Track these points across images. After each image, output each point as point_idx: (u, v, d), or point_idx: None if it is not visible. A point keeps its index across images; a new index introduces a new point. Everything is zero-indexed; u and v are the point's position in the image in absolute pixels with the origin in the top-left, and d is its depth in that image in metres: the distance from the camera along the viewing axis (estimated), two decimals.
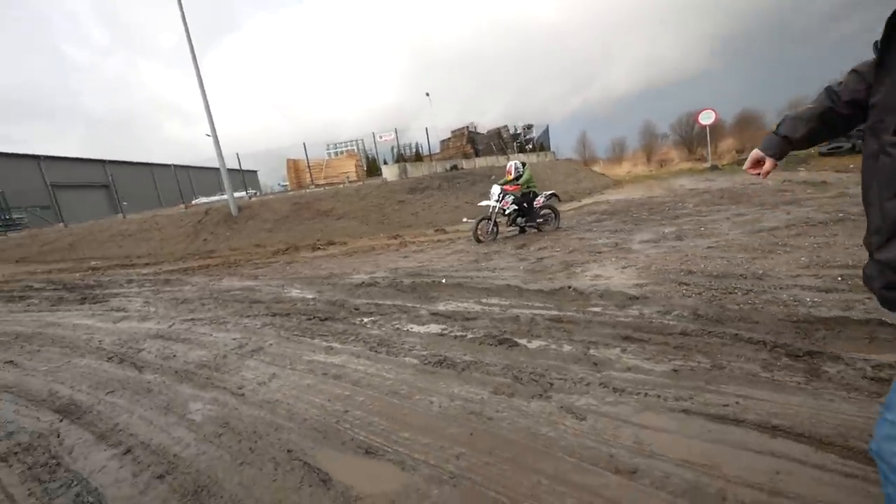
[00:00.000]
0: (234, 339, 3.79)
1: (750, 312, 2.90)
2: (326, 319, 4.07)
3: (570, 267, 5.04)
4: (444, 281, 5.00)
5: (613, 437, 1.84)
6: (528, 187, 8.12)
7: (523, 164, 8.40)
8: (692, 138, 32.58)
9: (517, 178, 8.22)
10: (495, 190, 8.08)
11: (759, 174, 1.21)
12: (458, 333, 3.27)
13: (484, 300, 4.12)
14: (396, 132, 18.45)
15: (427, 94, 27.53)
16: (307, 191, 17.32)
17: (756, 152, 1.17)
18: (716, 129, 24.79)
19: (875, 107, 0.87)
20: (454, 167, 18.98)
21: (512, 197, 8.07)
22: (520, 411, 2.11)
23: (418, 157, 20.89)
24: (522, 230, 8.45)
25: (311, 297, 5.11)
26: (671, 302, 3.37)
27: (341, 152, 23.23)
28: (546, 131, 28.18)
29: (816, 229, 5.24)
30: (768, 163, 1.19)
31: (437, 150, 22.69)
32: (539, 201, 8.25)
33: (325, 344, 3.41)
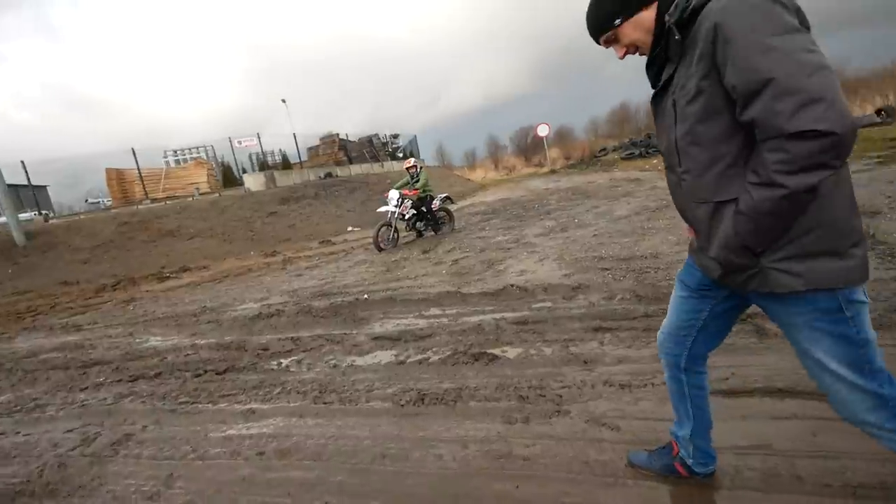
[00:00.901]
0: (71, 433, 2.50)
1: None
2: (226, 371, 3.05)
3: (492, 265, 4.94)
4: (366, 297, 4.35)
5: (658, 439, 1.65)
6: (425, 191, 7.89)
7: (420, 167, 8.15)
8: (527, 147, 37.51)
9: (415, 182, 7.92)
10: (393, 195, 7.63)
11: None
12: (420, 357, 2.76)
13: (426, 312, 3.65)
14: (259, 137, 16.24)
15: (283, 101, 25.28)
16: (141, 207, 13.88)
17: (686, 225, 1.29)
18: (546, 139, 28.85)
19: (659, 151, 1.06)
20: (329, 175, 17.71)
21: (411, 201, 7.73)
22: (552, 438, 1.77)
23: (286, 165, 18.82)
24: (419, 234, 8.19)
25: (186, 343, 3.86)
26: (610, 287, 3.47)
27: (186, 160, 19.36)
28: (414, 140, 28.73)
29: (658, 213, 6.30)
30: None
31: (305, 158, 20.90)
32: (436, 204, 8.11)
33: (239, 408, 2.49)
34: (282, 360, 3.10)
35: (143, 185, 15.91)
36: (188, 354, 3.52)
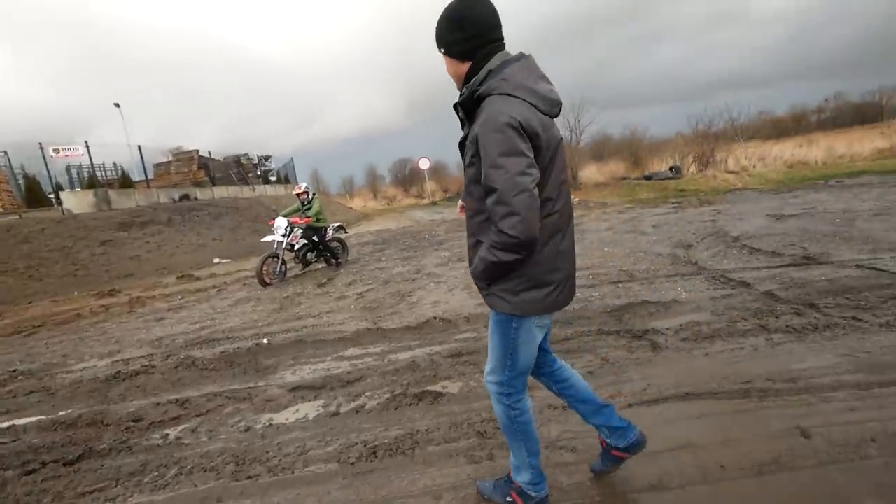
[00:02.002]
0: None
1: (582, 311, 3.60)
2: (81, 458, 2.29)
3: (403, 297, 4.88)
4: (266, 342, 3.81)
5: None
6: (318, 219, 7.41)
7: (313, 193, 7.65)
8: (406, 179, 38.90)
9: (307, 209, 7.38)
10: (281, 223, 6.95)
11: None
12: (354, 405, 2.53)
13: (345, 353, 3.38)
14: (88, 147, 12.98)
15: (117, 105, 21.19)
16: None
17: (461, 201, 1.62)
18: (426, 172, 30.40)
19: None
20: (186, 196, 15.21)
21: (301, 230, 7.15)
22: None
23: (126, 183, 15.43)
24: (306, 266, 7.58)
25: (3, 426, 2.78)
26: None
27: None
28: (291, 163, 26.93)
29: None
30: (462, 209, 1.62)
31: (152, 176, 17.60)
32: (328, 234, 7.67)
33: None
34: (168, 432, 2.47)
35: None
36: (3, 443, 2.52)
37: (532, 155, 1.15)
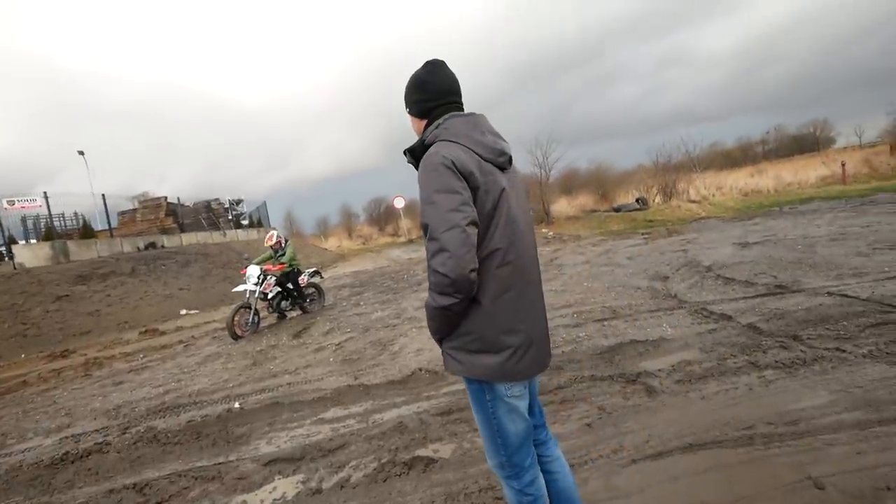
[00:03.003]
0: None
1: (572, 354, 3.52)
2: None
3: (385, 347, 4.67)
4: (238, 406, 3.51)
5: None
6: (291, 265, 7.18)
7: (286, 240, 7.45)
8: (381, 217, 38.94)
9: (281, 256, 7.15)
10: (253, 271, 6.69)
11: None
12: (337, 478, 2.30)
13: (326, 415, 3.13)
14: (47, 198, 12.36)
15: (81, 153, 20.66)
16: None
17: None
18: (401, 211, 30.53)
19: None
20: (152, 245, 14.58)
21: (274, 278, 6.90)
22: None
23: (88, 233, 14.65)
24: (282, 315, 7.26)
25: None
26: None
27: None
28: (264, 206, 26.52)
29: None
30: None
31: (116, 224, 16.88)
32: (303, 279, 7.43)
33: None
34: None
35: None
36: None
37: (466, 194, 1.14)
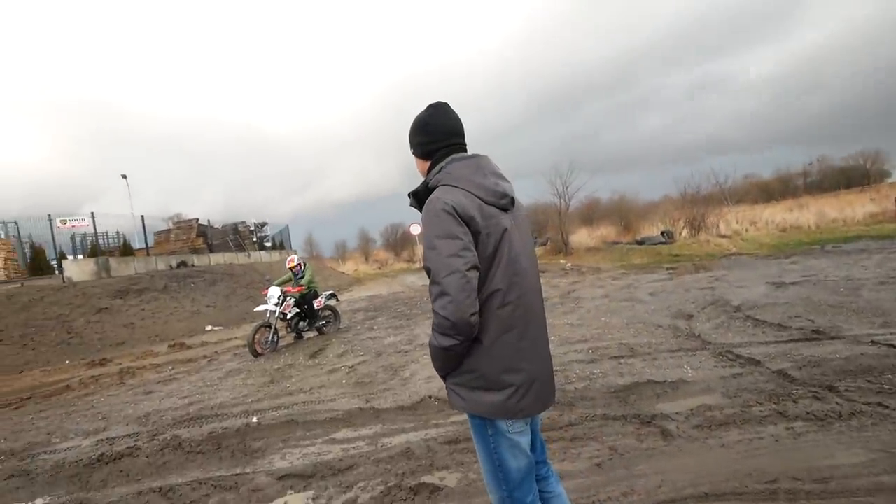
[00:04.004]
0: None
1: (585, 391, 3.48)
2: None
3: (396, 372, 4.72)
4: (256, 421, 3.64)
5: None
6: (310, 287, 7.44)
7: (305, 263, 7.75)
8: (397, 243, 39.42)
9: (300, 278, 7.43)
10: (274, 292, 6.96)
11: None
12: (345, 498, 2.36)
13: (337, 436, 3.21)
14: (94, 218, 13.40)
15: (124, 176, 22.23)
16: None
17: None
18: (417, 238, 30.90)
19: None
20: (182, 263, 15.36)
21: (293, 299, 7.15)
22: None
23: (127, 251, 15.68)
24: (299, 336, 7.46)
25: None
26: None
27: None
28: (286, 230, 27.51)
29: (554, 310, 7.14)
30: None
31: (152, 243, 17.93)
32: (320, 302, 7.65)
33: None
34: None
35: None
36: None
37: (467, 239, 1.17)
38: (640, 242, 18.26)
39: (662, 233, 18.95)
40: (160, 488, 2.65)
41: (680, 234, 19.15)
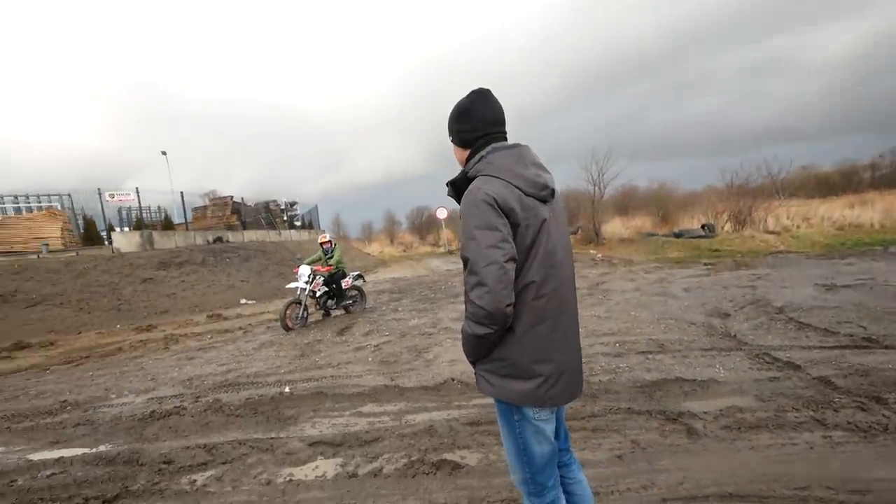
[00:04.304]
0: None
1: (609, 384, 3.45)
2: (117, 498, 2.34)
3: (420, 353, 4.82)
4: (289, 391, 3.84)
5: None
6: (338, 267, 7.66)
7: (335, 243, 7.97)
8: (422, 226, 39.37)
9: (329, 257, 7.66)
10: (304, 270, 7.21)
11: None
12: (371, 467, 2.48)
13: (363, 410, 3.35)
14: (139, 193, 14.23)
15: (164, 153, 23.25)
16: None
17: None
18: (443, 221, 30.80)
19: None
20: (219, 239, 16.10)
21: (322, 278, 7.38)
22: None
23: (168, 225, 16.61)
24: (327, 313, 7.72)
25: (46, 456, 2.90)
26: None
27: (32, 209, 15.76)
28: (315, 210, 28.11)
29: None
30: None
31: (190, 219, 18.85)
32: (347, 282, 7.87)
33: None
34: (195, 478, 2.49)
35: None
36: (53, 474, 2.62)
37: (506, 231, 1.18)
38: (678, 235, 17.50)
39: (703, 226, 18.07)
40: (205, 445, 2.87)
41: (722, 227, 18.19)
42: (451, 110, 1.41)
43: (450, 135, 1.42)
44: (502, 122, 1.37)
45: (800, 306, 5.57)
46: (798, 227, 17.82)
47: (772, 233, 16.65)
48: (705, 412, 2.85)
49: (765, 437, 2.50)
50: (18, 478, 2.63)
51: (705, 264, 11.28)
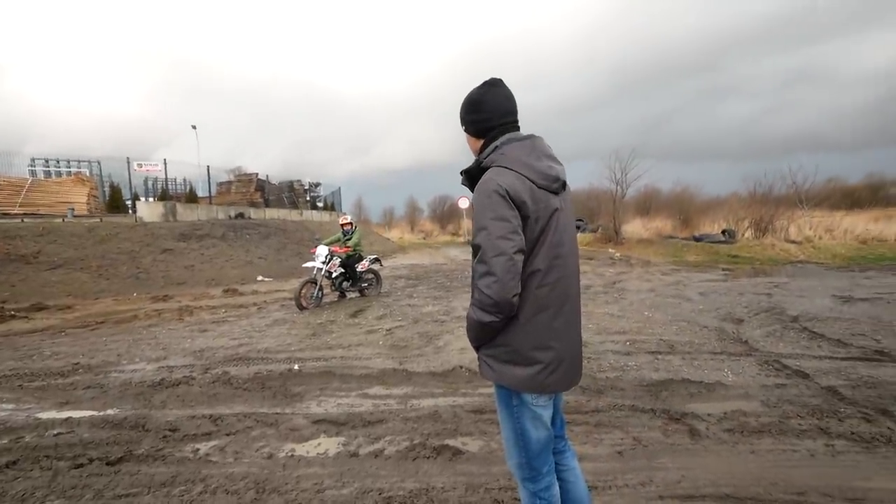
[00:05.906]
0: None
1: (616, 381, 3.45)
2: (121, 460, 2.43)
3: (431, 340, 4.88)
4: (297, 368, 3.93)
5: None
6: (355, 250, 7.72)
7: (355, 225, 8.03)
8: (443, 215, 39.35)
9: (348, 239, 7.73)
10: (322, 251, 7.30)
11: None
12: (373, 448, 2.53)
13: (369, 391, 3.42)
14: (166, 164, 14.52)
15: (194, 127, 23.54)
16: None
17: None
18: (465, 212, 30.71)
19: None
20: (241, 215, 16.36)
21: (339, 259, 7.46)
22: None
23: (192, 198, 16.93)
24: (343, 295, 7.83)
25: (55, 416, 3.03)
26: None
27: (62, 173, 16.24)
28: (338, 192, 28.34)
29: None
30: None
31: (214, 193, 19.15)
32: (364, 265, 7.94)
33: None
34: (198, 447, 2.58)
35: None
36: (59, 433, 2.74)
37: (517, 222, 1.20)
38: (698, 239, 17.22)
39: (723, 231, 17.72)
40: (210, 416, 2.96)
41: (743, 234, 17.80)
42: (463, 100, 1.42)
43: (462, 124, 1.43)
44: (515, 113, 1.38)
45: (815, 316, 5.48)
46: (820, 237, 17.34)
47: (793, 242, 16.22)
48: (709, 414, 2.84)
49: (767, 442, 2.49)
50: (26, 435, 2.75)
51: (723, 269, 11.09)
